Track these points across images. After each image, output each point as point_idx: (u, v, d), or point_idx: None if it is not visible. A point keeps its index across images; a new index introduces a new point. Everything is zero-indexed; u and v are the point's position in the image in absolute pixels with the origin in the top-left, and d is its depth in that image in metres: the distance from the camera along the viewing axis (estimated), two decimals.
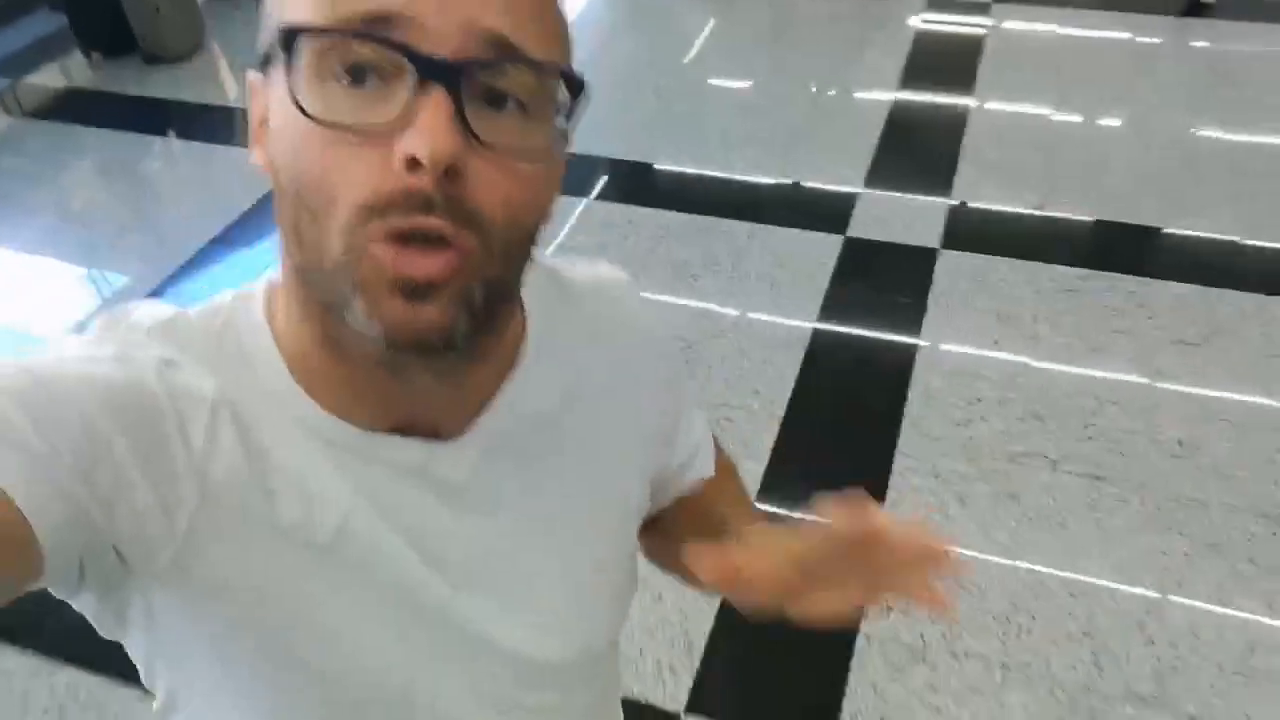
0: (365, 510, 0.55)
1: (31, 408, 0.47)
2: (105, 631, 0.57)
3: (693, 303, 2.89)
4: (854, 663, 1.93)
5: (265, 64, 0.50)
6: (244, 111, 0.56)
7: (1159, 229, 3.12)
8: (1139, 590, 2.05)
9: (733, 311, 2.86)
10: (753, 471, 2.33)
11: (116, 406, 0.50)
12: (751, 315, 2.86)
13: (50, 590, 0.52)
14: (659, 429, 0.71)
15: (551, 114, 0.50)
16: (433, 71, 0.45)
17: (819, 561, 0.57)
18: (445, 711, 0.61)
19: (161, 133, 4.04)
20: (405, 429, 0.56)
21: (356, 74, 0.46)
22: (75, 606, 0.56)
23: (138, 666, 0.59)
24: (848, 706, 1.86)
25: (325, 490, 0.54)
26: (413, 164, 0.45)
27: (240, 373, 0.54)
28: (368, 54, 0.46)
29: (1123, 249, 3.04)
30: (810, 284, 2.92)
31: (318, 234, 0.47)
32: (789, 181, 3.46)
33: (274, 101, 0.49)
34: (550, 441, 0.62)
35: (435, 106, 0.45)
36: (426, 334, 0.47)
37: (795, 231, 3.18)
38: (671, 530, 0.76)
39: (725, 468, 0.81)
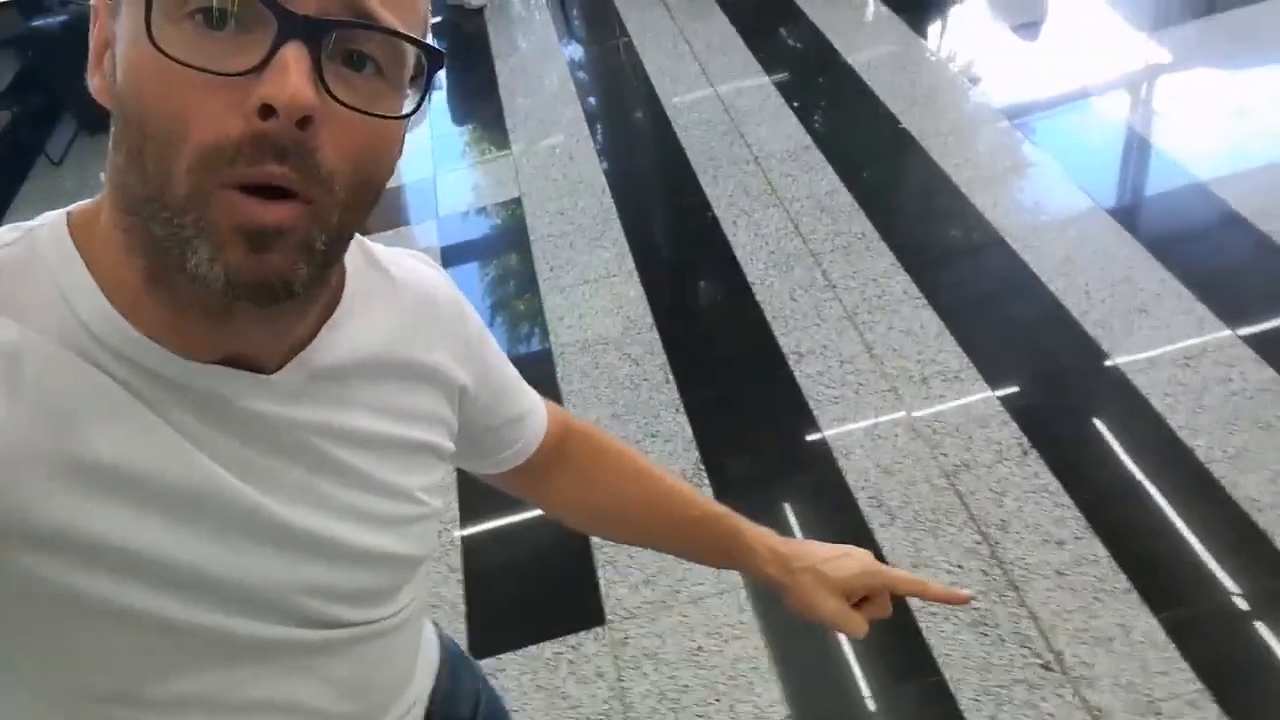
0: (181, 439, 0.55)
1: None
2: None
3: None
4: None
5: None
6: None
7: None
8: None
9: None
10: None
11: None
12: None
13: None
14: (455, 381, 0.74)
15: (405, 80, 0.53)
16: (293, 26, 0.47)
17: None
18: (272, 600, 0.61)
19: None
20: (228, 362, 0.56)
21: (215, 18, 0.47)
22: None
23: None
24: None
25: (140, 424, 0.54)
26: (267, 111, 0.46)
27: (52, 308, 0.52)
28: (229, 0, 0.47)
29: None
30: None
31: (161, 169, 0.48)
32: None
33: (124, 30, 0.50)
34: (345, 391, 0.64)
35: (294, 59, 0.47)
36: (268, 281, 0.49)
37: None
38: (540, 480, 0.93)
39: (556, 429, 0.92)
